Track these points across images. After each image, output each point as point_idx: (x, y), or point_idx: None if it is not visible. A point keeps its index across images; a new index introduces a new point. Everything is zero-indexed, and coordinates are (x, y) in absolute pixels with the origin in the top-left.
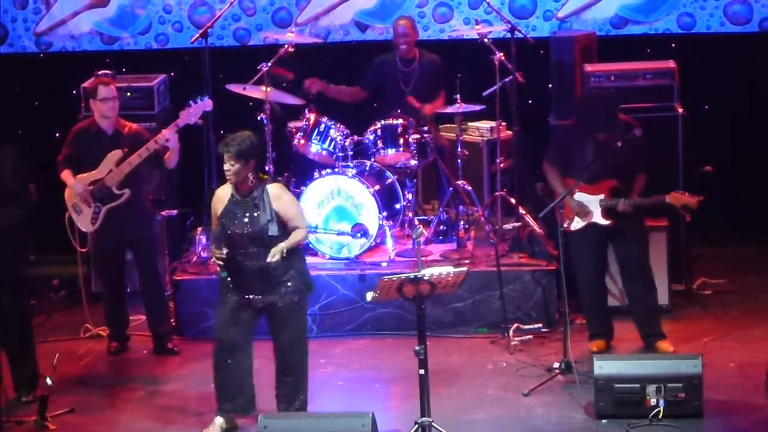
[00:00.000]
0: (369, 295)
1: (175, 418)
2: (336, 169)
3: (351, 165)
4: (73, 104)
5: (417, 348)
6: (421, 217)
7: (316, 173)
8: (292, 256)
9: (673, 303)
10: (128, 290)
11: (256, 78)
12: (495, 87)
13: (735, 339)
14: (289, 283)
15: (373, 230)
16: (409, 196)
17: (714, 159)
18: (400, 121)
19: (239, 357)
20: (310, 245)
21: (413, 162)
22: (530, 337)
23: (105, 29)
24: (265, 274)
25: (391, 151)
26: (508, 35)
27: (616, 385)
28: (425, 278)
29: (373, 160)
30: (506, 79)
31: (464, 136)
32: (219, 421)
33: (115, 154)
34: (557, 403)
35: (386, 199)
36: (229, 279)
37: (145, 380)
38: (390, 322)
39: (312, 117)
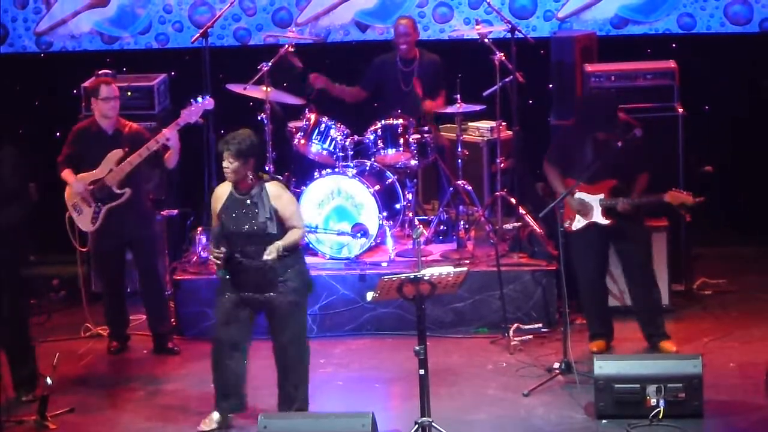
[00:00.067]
0: (369, 295)
1: (176, 418)
2: (336, 169)
3: (351, 165)
4: (73, 104)
5: (417, 348)
6: (421, 217)
7: (316, 173)
8: (291, 256)
9: (674, 303)
10: (128, 290)
11: (256, 78)
12: (495, 87)
13: (735, 339)
14: (287, 283)
15: (373, 230)
16: (410, 196)
17: (714, 159)
18: (401, 121)
19: (238, 356)
20: (310, 245)
21: (413, 162)
22: (530, 337)
23: (105, 29)
24: (263, 272)
25: (391, 151)
26: (509, 35)
27: (617, 386)
28: (425, 278)
29: (373, 160)
30: (506, 79)
31: (464, 136)
32: (215, 416)
33: (116, 153)
34: (557, 404)
35: (386, 199)
36: (227, 277)
37: (145, 380)
38: (390, 322)
39: (312, 117)
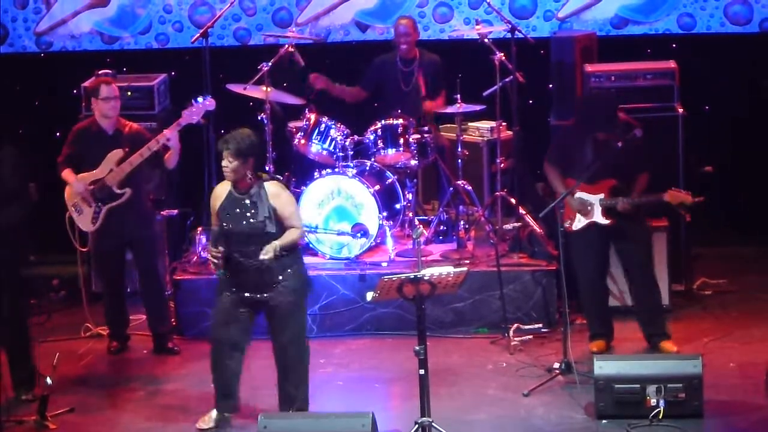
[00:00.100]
0: (369, 295)
1: (176, 418)
2: (336, 169)
3: (351, 165)
4: (73, 104)
5: (417, 348)
6: (421, 217)
7: (316, 173)
8: (290, 256)
9: (674, 303)
10: (128, 290)
11: (256, 78)
12: (495, 87)
13: (735, 339)
14: (286, 283)
15: (373, 230)
16: (410, 196)
17: (714, 159)
18: (401, 121)
19: (237, 356)
20: (310, 245)
21: (413, 162)
22: (530, 337)
23: (105, 29)
24: (262, 272)
25: (391, 151)
26: (509, 35)
27: (617, 386)
28: (425, 278)
29: (373, 160)
30: (506, 79)
31: (464, 136)
32: (214, 414)
33: (116, 153)
34: (557, 404)
35: (386, 199)
36: (226, 277)
37: (145, 380)
38: (390, 322)
39: (312, 117)
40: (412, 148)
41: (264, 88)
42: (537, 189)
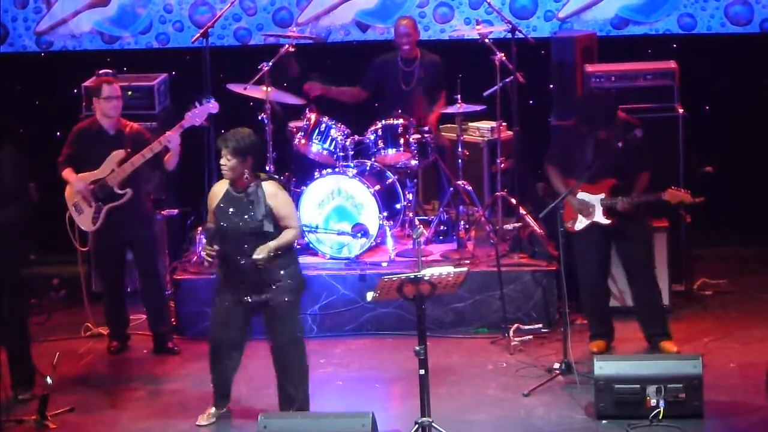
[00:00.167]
0: (369, 295)
1: (176, 418)
2: (336, 169)
3: (351, 165)
4: (73, 104)
5: (417, 348)
6: (421, 217)
7: (316, 173)
8: (285, 257)
9: (674, 303)
10: (128, 290)
11: (256, 78)
12: (496, 87)
13: (735, 339)
14: (281, 282)
15: (373, 230)
16: (410, 196)
17: (714, 159)
18: (401, 121)
19: (236, 356)
20: (311, 245)
21: (414, 162)
22: (530, 337)
23: (106, 28)
24: (258, 271)
25: (391, 151)
26: (509, 35)
27: (617, 386)
28: (425, 278)
29: (373, 160)
30: (507, 80)
31: (465, 136)
32: (213, 411)
33: (118, 154)
34: (557, 404)
35: (387, 199)
36: (223, 276)
37: (145, 379)
38: (390, 322)
39: (313, 117)
40: (413, 148)
41: (264, 88)
42: (537, 189)
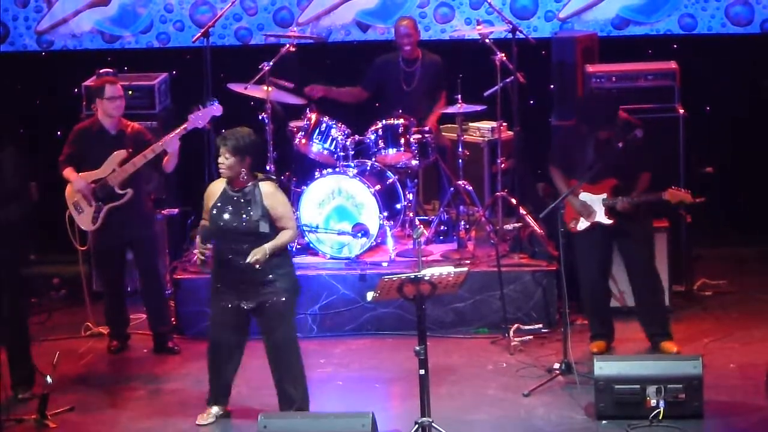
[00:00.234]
0: (369, 295)
1: (176, 417)
2: (337, 169)
3: (352, 165)
4: (74, 103)
5: (417, 348)
6: (421, 217)
7: (317, 173)
8: (281, 257)
9: (674, 304)
10: (128, 289)
11: (257, 77)
12: (496, 87)
13: (735, 340)
14: (277, 283)
15: (373, 230)
16: (410, 196)
17: (715, 160)
18: (402, 121)
19: (236, 356)
20: (311, 245)
21: (414, 162)
22: (530, 337)
23: (106, 28)
24: (253, 271)
25: (392, 151)
26: (510, 36)
27: (617, 386)
28: (426, 278)
29: (374, 159)
30: (507, 80)
31: (465, 136)
32: (214, 410)
33: (119, 154)
34: (557, 404)
35: (387, 199)
36: (219, 276)
37: (145, 379)
38: (390, 322)
39: (313, 116)
40: (413, 148)
41: (265, 88)
42: (537, 189)
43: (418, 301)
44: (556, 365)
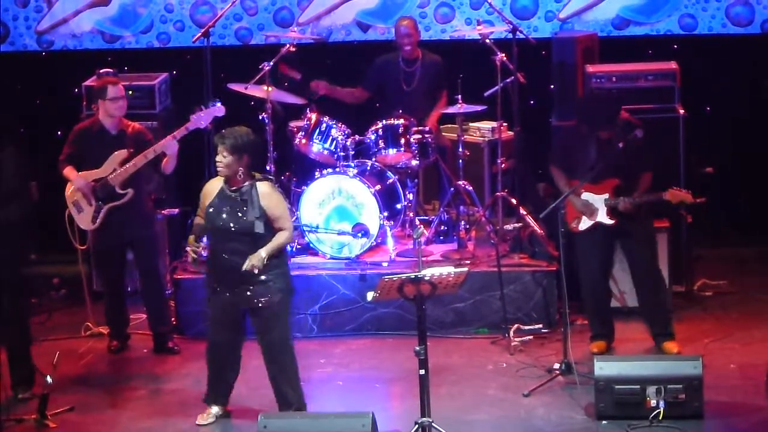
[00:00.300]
0: (370, 295)
1: (176, 417)
2: (337, 169)
3: (352, 165)
4: (74, 103)
5: (417, 348)
6: (421, 217)
7: (317, 173)
8: (277, 257)
9: (674, 304)
10: (128, 289)
11: (257, 77)
12: (496, 87)
13: (735, 340)
14: (270, 283)
15: (373, 230)
16: (410, 196)
17: (715, 160)
18: (402, 121)
19: (235, 355)
20: (311, 245)
21: (414, 162)
22: (530, 337)
23: (106, 28)
24: (247, 272)
25: (392, 151)
26: (510, 36)
27: (617, 386)
28: (426, 278)
29: (374, 159)
30: (508, 80)
31: (465, 136)
32: (214, 410)
33: (120, 154)
34: (557, 404)
35: (387, 199)
36: (214, 275)
37: (145, 379)
38: (390, 322)
39: (313, 116)
40: (413, 148)
41: (265, 88)
42: (538, 189)
43: (418, 301)
44: (556, 365)
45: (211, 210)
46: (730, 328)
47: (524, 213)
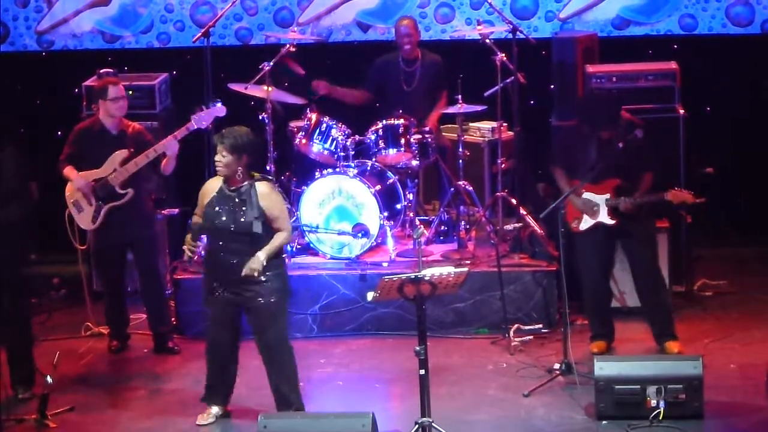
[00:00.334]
0: (370, 295)
1: (176, 417)
2: (337, 169)
3: (352, 165)
4: (74, 103)
5: (417, 348)
6: (422, 218)
7: (317, 173)
8: (274, 258)
9: (674, 304)
10: (128, 289)
11: (257, 77)
12: (496, 87)
13: (735, 340)
14: (269, 284)
15: (374, 230)
16: (410, 196)
17: (715, 160)
18: (402, 121)
19: (234, 355)
20: (311, 245)
21: (414, 162)
22: (531, 337)
23: (107, 28)
24: (247, 275)
25: (392, 151)
26: (510, 36)
27: (617, 386)
28: (426, 278)
29: (374, 160)
30: (508, 80)
31: (465, 136)
32: (214, 410)
33: (121, 153)
34: (558, 404)
35: (387, 199)
36: (212, 274)
37: (145, 379)
38: (390, 322)
39: (313, 116)
40: (413, 148)
41: (265, 88)
42: (538, 190)
43: (418, 302)
44: (557, 365)
45: (209, 209)
46: (730, 328)
47: (524, 213)
